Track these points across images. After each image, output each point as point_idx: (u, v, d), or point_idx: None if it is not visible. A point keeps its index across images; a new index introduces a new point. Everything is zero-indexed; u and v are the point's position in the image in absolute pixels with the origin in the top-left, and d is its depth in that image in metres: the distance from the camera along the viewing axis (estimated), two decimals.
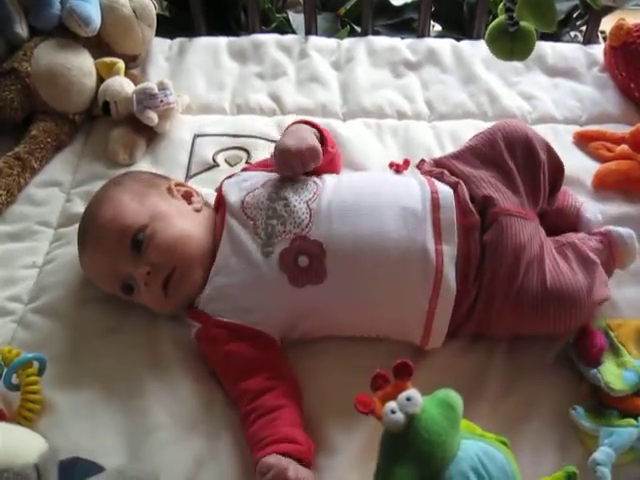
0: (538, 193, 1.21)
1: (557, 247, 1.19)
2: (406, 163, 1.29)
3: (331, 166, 1.29)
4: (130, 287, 1.15)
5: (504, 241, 1.12)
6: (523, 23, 1.13)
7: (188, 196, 1.25)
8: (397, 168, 1.28)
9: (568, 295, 1.10)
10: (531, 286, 1.10)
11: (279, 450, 0.98)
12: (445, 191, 1.17)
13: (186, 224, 1.17)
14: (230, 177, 1.27)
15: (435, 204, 1.15)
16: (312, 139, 1.21)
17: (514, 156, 1.21)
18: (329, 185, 1.19)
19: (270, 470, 0.95)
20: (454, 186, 1.18)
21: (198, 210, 1.23)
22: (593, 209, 1.31)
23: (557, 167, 1.25)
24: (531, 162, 1.21)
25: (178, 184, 1.27)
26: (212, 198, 1.30)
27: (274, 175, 1.23)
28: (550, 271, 1.12)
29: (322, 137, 1.27)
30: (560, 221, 1.28)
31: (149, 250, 1.13)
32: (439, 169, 1.24)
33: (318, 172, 1.23)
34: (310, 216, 1.13)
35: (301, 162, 1.18)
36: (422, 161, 1.30)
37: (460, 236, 1.13)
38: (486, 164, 1.22)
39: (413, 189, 1.18)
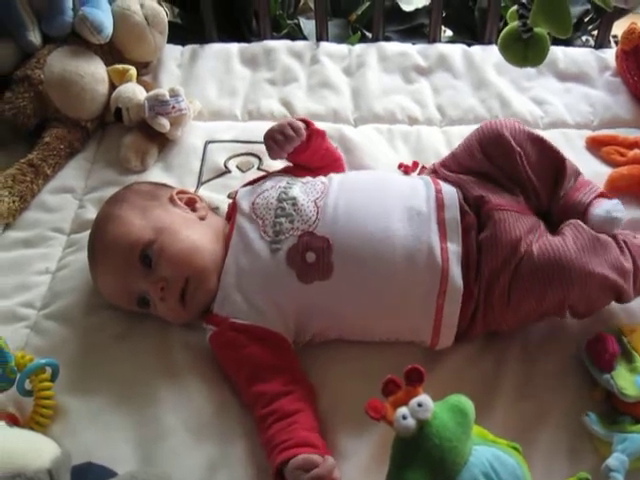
0: (525, 186, 1.20)
1: (557, 231, 1.17)
2: (415, 165, 1.30)
3: (330, 157, 1.34)
4: (146, 302, 1.16)
5: (499, 235, 1.12)
6: (537, 29, 1.13)
7: (192, 203, 1.25)
8: (405, 169, 1.29)
9: (554, 260, 1.08)
10: (523, 270, 1.10)
11: (299, 454, 0.98)
12: (449, 191, 1.18)
13: (193, 233, 1.17)
14: (245, 186, 1.28)
15: (440, 203, 1.16)
16: (288, 119, 1.25)
17: (491, 158, 1.21)
18: (336, 184, 1.20)
19: (315, 466, 0.95)
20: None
21: (203, 217, 1.23)
22: (608, 205, 1.20)
23: (552, 158, 1.24)
24: (507, 156, 1.20)
25: (180, 192, 1.27)
26: (224, 205, 1.31)
27: (284, 177, 1.25)
28: (540, 248, 1.11)
29: (306, 122, 1.28)
30: (565, 218, 1.21)
31: (160, 265, 1.13)
32: (435, 175, 1.26)
33: (324, 170, 1.28)
34: (317, 213, 1.14)
35: (280, 133, 1.22)
36: (423, 168, 1.30)
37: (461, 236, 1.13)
38: (469, 172, 1.23)
39: (418, 189, 1.19)
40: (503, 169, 1.21)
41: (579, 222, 1.17)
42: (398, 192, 1.18)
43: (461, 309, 1.11)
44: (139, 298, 1.16)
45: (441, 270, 1.10)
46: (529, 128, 1.26)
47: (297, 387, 1.08)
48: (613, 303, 1.18)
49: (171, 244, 1.14)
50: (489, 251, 1.12)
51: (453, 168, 1.25)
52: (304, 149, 1.26)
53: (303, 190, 1.19)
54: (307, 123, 1.27)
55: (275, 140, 1.24)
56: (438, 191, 1.18)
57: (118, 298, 1.19)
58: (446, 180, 1.23)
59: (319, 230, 1.12)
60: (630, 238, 1.19)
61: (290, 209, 1.15)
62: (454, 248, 1.12)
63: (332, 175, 1.25)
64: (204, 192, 1.40)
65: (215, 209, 1.32)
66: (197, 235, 1.18)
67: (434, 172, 1.28)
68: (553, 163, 1.23)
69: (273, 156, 1.27)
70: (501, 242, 1.12)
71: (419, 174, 1.29)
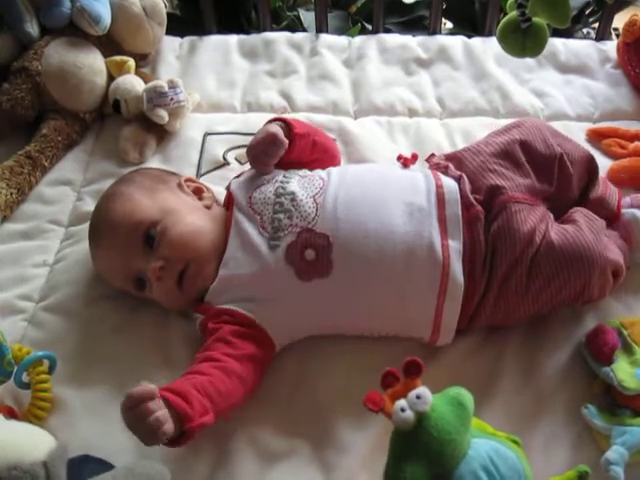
0: (551, 177, 1.21)
1: (566, 218, 1.19)
2: (414, 157, 1.29)
3: (320, 149, 1.31)
4: (143, 283, 1.15)
5: (515, 227, 1.12)
6: (535, 19, 1.12)
7: (199, 192, 1.26)
8: (404, 162, 1.28)
9: (577, 247, 1.11)
10: (543, 259, 1.11)
11: (164, 396, 0.93)
12: (450, 185, 1.17)
13: (197, 219, 1.18)
14: (238, 176, 1.28)
15: (440, 199, 1.15)
16: (268, 128, 1.20)
17: (527, 151, 1.22)
18: (335, 179, 1.18)
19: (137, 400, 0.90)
20: (457, 180, 1.18)
21: (208, 206, 1.23)
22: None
23: (583, 155, 1.26)
24: (547, 156, 1.21)
25: (188, 180, 1.28)
26: (222, 196, 1.30)
27: (279, 170, 1.23)
28: (559, 236, 1.12)
29: (287, 124, 1.24)
30: (600, 211, 1.23)
31: (162, 245, 1.14)
32: (445, 162, 1.24)
33: (316, 164, 1.27)
34: (316, 210, 1.13)
35: (262, 151, 1.19)
36: (432, 155, 1.29)
37: (464, 230, 1.12)
38: (496, 150, 1.22)
39: (418, 184, 1.18)
40: (533, 162, 1.22)
41: (586, 209, 1.20)
42: (398, 187, 1.17)
43: (463, 305, 1.11)
44: (136, 278, 1.15)
45: (442, 267, 1.09)
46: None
47: (236, 365, 1.04)
48: (610, 298, 1.20)
49: (175, 226, 1.14)
50: (505, 243, 1.11)
51: (480, 150, 1.23)
52: (290, 152, 1.23)
53: (301, 185, 1.18)
54: (288, 123, 1.23)
55: (260, 160, 1.21)
56: (439, 186, 1.17)
57: (115, 276, 1.19)
58: (461, 165, 1.21)
59: (318, 227, 1.12)
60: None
61: (289, 204, 1.14)
62: (455, 245, 1.11)
63: (331, 169, 1.24)
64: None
65: (215, 200, 1.32)
66: (201, 222, 1.18)
67: (449, 158, 1.25)
68: (584, 160, 1.26)
69: (264, 173, 1.23)
70: (518, 233, 1.11)
71: (427, 161, 1.28)
